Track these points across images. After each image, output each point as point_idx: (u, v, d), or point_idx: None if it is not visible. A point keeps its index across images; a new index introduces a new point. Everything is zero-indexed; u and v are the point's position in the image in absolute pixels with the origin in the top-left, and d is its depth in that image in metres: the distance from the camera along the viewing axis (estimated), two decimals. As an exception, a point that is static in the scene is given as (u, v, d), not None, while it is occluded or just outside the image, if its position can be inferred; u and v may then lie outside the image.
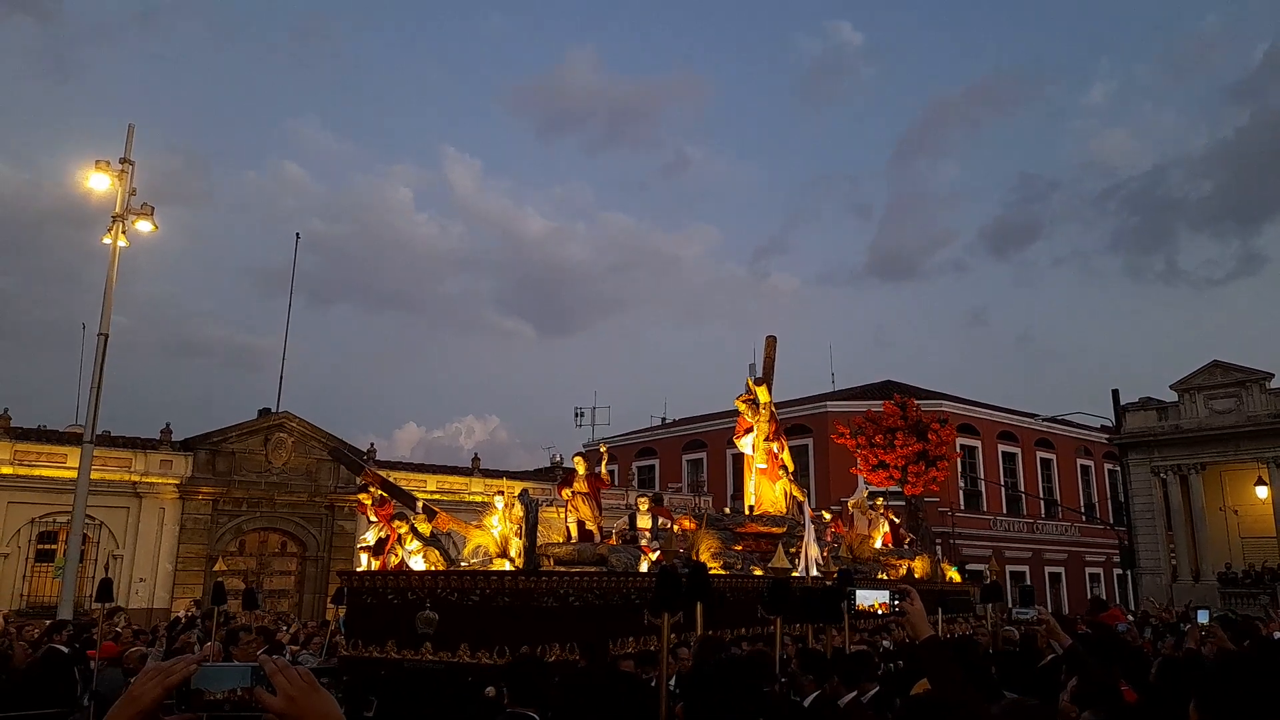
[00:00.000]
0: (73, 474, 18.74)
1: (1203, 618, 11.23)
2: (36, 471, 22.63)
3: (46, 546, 22.57)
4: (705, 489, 37.37)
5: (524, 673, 4.44)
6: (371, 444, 30.01)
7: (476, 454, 32.39)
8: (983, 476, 38.15)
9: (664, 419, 49.55)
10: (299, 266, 32.45)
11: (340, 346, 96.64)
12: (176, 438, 25.67)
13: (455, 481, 30.55)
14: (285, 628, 16.37)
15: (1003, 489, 38.62)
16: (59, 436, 24.14)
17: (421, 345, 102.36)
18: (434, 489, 28.97)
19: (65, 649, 8.80)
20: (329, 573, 26.77)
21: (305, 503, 26.79)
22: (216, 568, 18.75)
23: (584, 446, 46.81)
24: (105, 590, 9.89)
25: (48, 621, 12.57)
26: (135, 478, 24.39)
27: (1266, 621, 14.98)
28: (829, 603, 11.11)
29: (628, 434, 45.86)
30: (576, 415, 47.76)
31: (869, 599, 6.65)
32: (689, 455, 42.51)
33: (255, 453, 26.46)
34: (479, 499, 29.58)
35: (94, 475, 17.64)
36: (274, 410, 27.30)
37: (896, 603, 3.42)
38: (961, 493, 37.28)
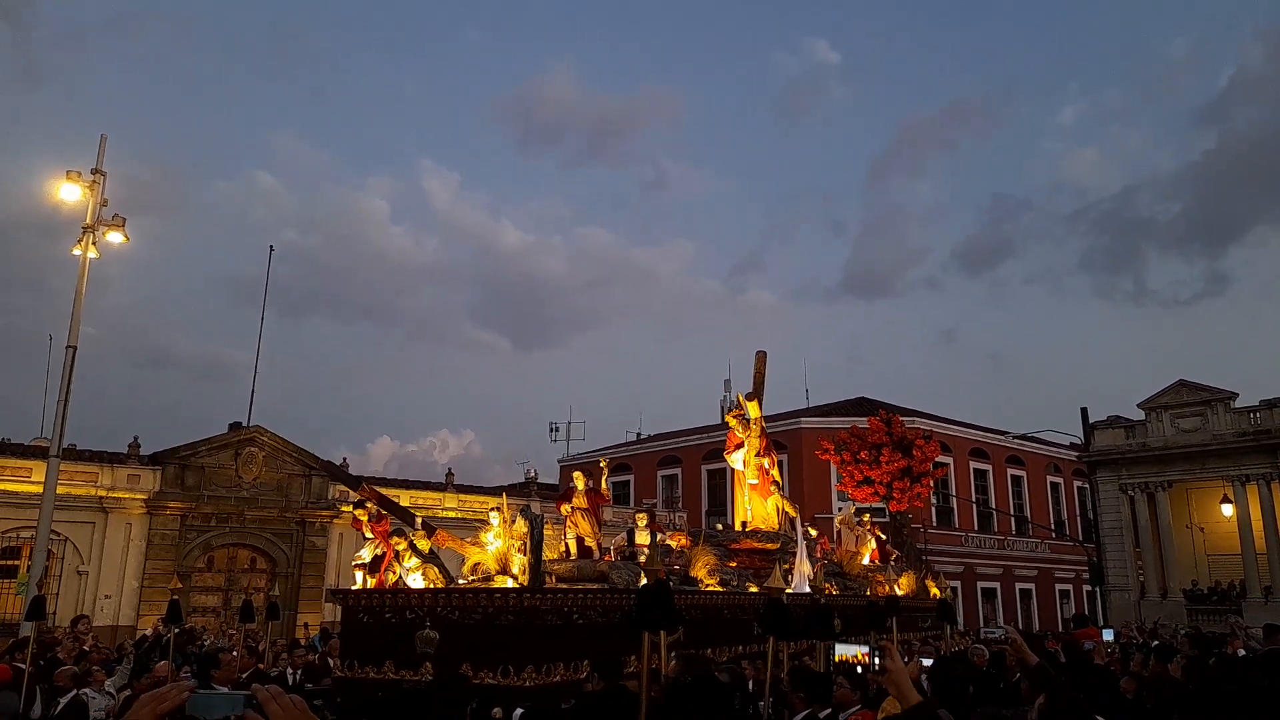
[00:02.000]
0: (38, 488, 18.13)
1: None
2: (0, 486, 21.88)
3: (9, 563, 21.80)
4: (680, 505, 37.27)
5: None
6: (344, 458, 29.61)
7: (451, 469, 32.08)
8: (954, 493, 38.51)
9: (639, 434, 49.44)
10: (272, 278, 31.95)
11: (313, 359, 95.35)
12: (145, 451, 25.03)
13: (429, 497, 30.13)
14: (254, 644, 16.01)
15: (974, 505, 39.00)
16: (24, 450, 23.40)
17: (396, 358, 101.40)
18: (408, 504, 28.40)
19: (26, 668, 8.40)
20: (299, 589, 26.23)
21: (276, 518, 26.26)
22: (172, 585, 18.14)
23: (559, 463, 46.62)
24: (37, 608, 9.45)
25: (10, 640, 12.06)
26: (102, 492, 23.71)
27: (1231, 639, 15.23)
28: (820, 621, 11.11)
29: (603, 449, 45.60)
30: (552, 430, 47.50)
31: (848, 651, 6.55)
32: (664, 471, 42.39)
33: (225, 467, 25.88)
34: (453, 514, 29.22)
35: (60, 489, 17.05)
36: (245, 424, 26.76)
37: (877, 660, 3.25)
38: (934, 509, 37.57)
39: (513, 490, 37.10)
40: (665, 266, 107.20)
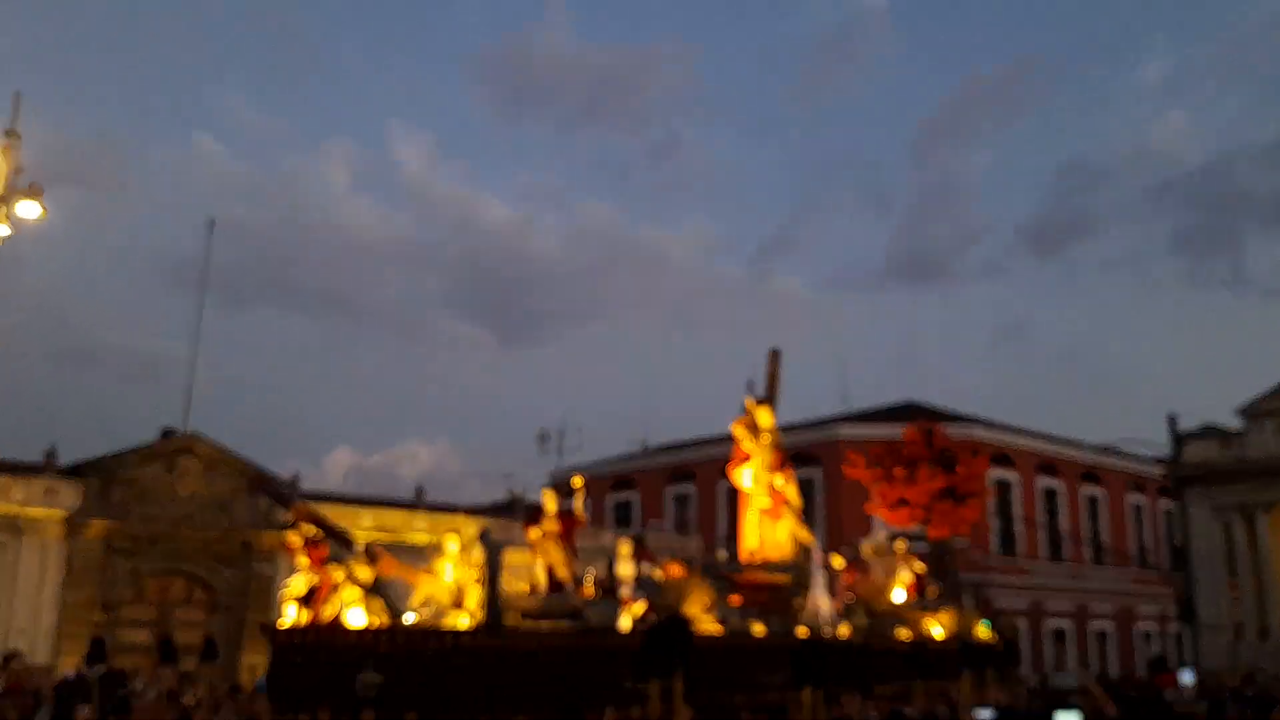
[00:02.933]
0: (-62, 505, 18.48)
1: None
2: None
3: (-97, 592, 22.21)
4: (694, 528, 37.42)
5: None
6: (296, 472, 29.83)
7: (421, 485, 32.31)
8: (1019, 516, 38.49)
9: (645, 445, 49.54)
10: (213, 259, 32.22)
11: (261, 355, 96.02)
12: (63, 462, 25.37)
13: (396, 518, 30.32)
14: (190, 690, 16.18)
15: (1042, 530, 38.94)
16: (-79, 459, 23.82)
17: (358, 355, 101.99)
18: (370, 525, 28.75)
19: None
20: (244, 625, 26.53)
21: (216, 541, 26.49)
22: (94, 618, 18.44)
23: (550, 477, 46.81)
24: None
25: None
26: (14, 509, 24.08)
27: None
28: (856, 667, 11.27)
29: (602, 462, 45.79)
30: (541, 440, 47.51)
31: None
32: (674, 488, 42.54)
33: (157, 481, 26.16)
34: (424, 539, 29.38)
35: (-36, 507, 17.42)
36: (180, 431, 27.05)
37: None
38: (994, 535, 37.60)
39: (495, 510, 37.42)
40: (678, 248, 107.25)
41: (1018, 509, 38.60)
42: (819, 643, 11.49)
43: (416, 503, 31.34)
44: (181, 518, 26.08)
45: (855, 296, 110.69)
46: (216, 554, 26.57)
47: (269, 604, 26.82)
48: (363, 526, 27.82)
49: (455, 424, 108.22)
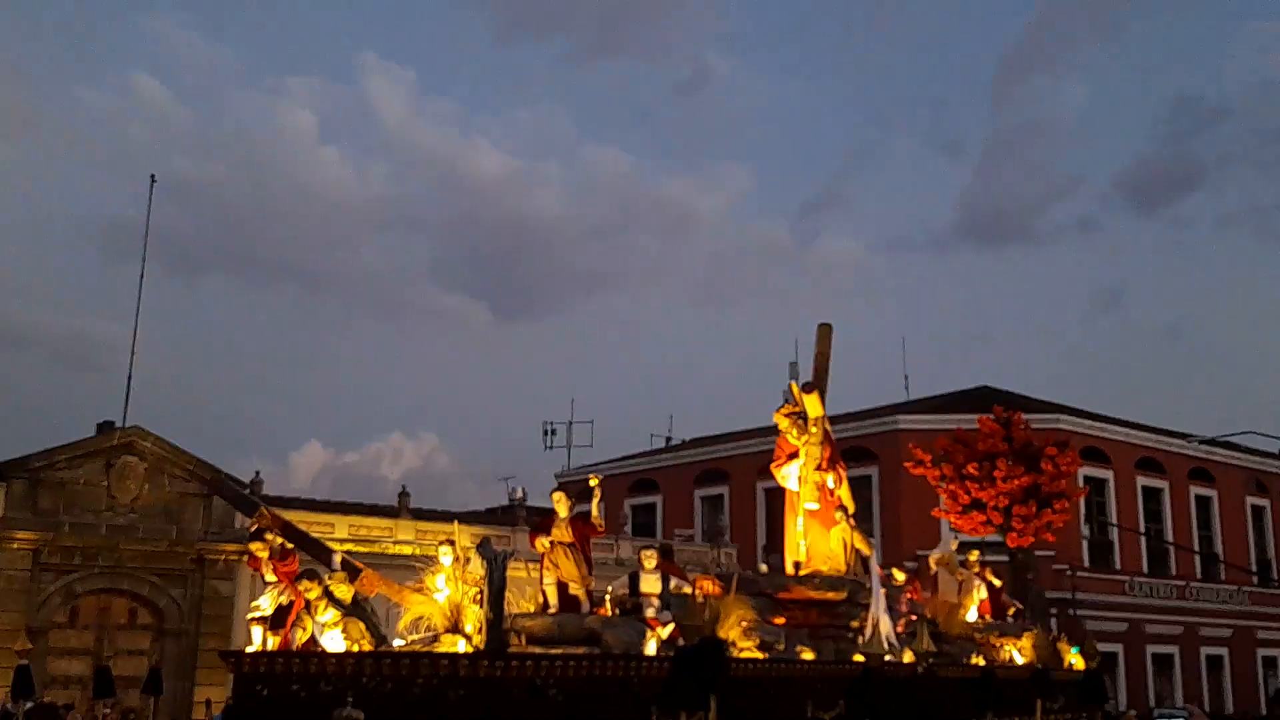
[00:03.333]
0: None
1: None
2: None
3: None
4: (727, 536, 37.52)
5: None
6: (257, 472, 30.02)
7: (405, 487, 32.42)
8: (1114, 521, 38.42)
9: (669, 439, 49.64)
10: (155, 223, 32.36)
11: (215, 336, 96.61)
12: (-18, 462, 25.64)
13: (376, 525, 30.59)
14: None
15: (1142, 539, 38.86)
16: None
17: (329, 335, 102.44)
18: (345, 535, 28.96)
19: None
20: (197, 652, 26.80)
21: (163, 554, 26.79)
22: (18, 646, 18.72)
23: (557, 478, 47.02)
24: None
25: None
26: (-75, 518, 24.37)
27: None
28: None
29: (618, 460, 45.94)
30: (546, 433, 47.93)
31: None
32: (704, 490, 42.72)
33: (93, 484, 26.43)
34: (408, 550, 29.58)
35: None
36: (120, 425, 27.28)
37: None
38: (1085, 544, 37.56)
39: (493, 517, 37.67)
40: (707, 204, 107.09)
41: (1113, 513, 38.52)
42: (878, 672, 11.49)
43: (399, 509, 31.55)
44: (122, 527, 26.37)
45: (919, 262, 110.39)
46: (163, 570, 26.84)
47: (226, 628, 27.09)
48: (336, 537, 27.98)
49: (444, 416, 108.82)
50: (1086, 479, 32.67)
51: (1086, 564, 37.02)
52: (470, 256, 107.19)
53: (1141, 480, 39.60)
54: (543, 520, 12.74)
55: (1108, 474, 38.30)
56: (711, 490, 42.48)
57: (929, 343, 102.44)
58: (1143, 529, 38.94)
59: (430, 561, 11.77)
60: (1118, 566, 38.34)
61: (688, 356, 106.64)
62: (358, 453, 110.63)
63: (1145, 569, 38.85)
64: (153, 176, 31.50)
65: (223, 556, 27.39)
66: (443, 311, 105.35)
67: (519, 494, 37.78)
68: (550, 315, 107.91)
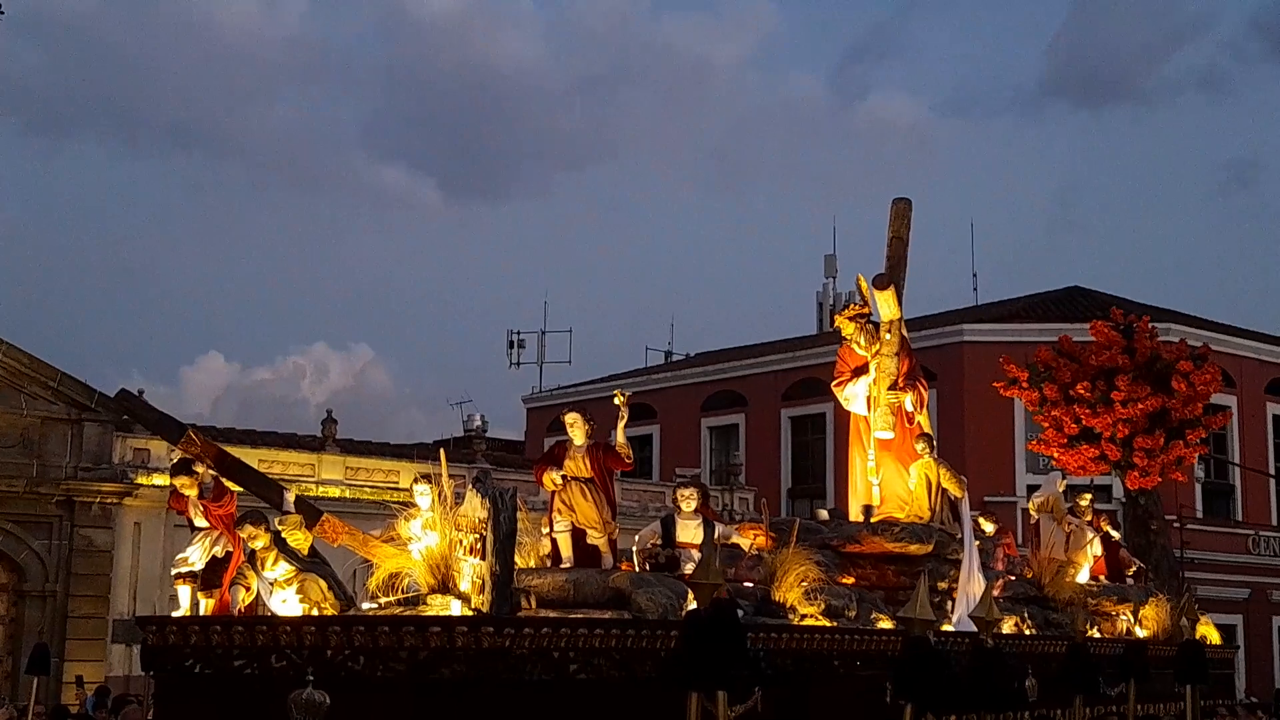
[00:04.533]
0: None
1: None
2: None
3: None
4: (742, 477, 37.61)
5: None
6: (140, 391, 29.67)
7: (331, 412, 32.36)
8: (1237, 461, 38.65)
9: (668, 354, 49.66)
10: (8, 69, 31.59)
11: (84, 213, 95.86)
12: None
13: (294, 461, 30.63)
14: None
15: (1272, 483, 39.14)
16: None
17: (234, 216, 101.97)
18: (255, 473, 28.96)
19: None
20: (66, 619, 26.83)
21: (20, 496, 26.76)
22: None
23: (524, 402, 46.94)
24: None
25: None
26: None
27: None
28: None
29: (603, 381, 45.82)
30: (512, 345, 47.83)
31: None
32: (712, 418, 42.97)
33: (-72, 406, 26.31)
34: (335, 492, 29.70)
35: None
36: (-39, 328, 27.05)
37: None
38: (1198, 488, 37.78)
39: (443, 450, 37.56)
40: (723, 52, 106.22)
41: (1235, 450, 38.74)
42: (926, 644, 11.48)
43: (324, 440, 31.57)
44: (-33, 460, 26.27)
45: (995, 128, 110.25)
46: (21, 515, 26.86)
47: (103, 588, 27.19)
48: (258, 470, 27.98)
49: (381, 323, 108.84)
50: (1206, 408, 32.66)
51: (1200, 513, 37.28)
52: (415, 118, 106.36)
53: (1274, 409, 39.78)
54: (551, 449, 12.61)
55: (1230, 400, 38.32)
56: (723, 418, 42.70)
57: (1004, 231, 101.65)
58: (1273, 471, 39.20)
59: (362, 510, 11.69)
60: (1239, 518, 38.67)
61: (694, 250, 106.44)
62: (270, 369, 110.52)
63: (1275, 521, 39.17)
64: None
65: (98, 498, 27.36)
66: (379, 188, 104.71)
67: (477, 422, 37.90)
68: (518, 196, 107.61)
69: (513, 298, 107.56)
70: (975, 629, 13.80)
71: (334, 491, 29.81)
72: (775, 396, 40.11)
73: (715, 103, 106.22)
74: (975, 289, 47.10)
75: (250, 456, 29.74)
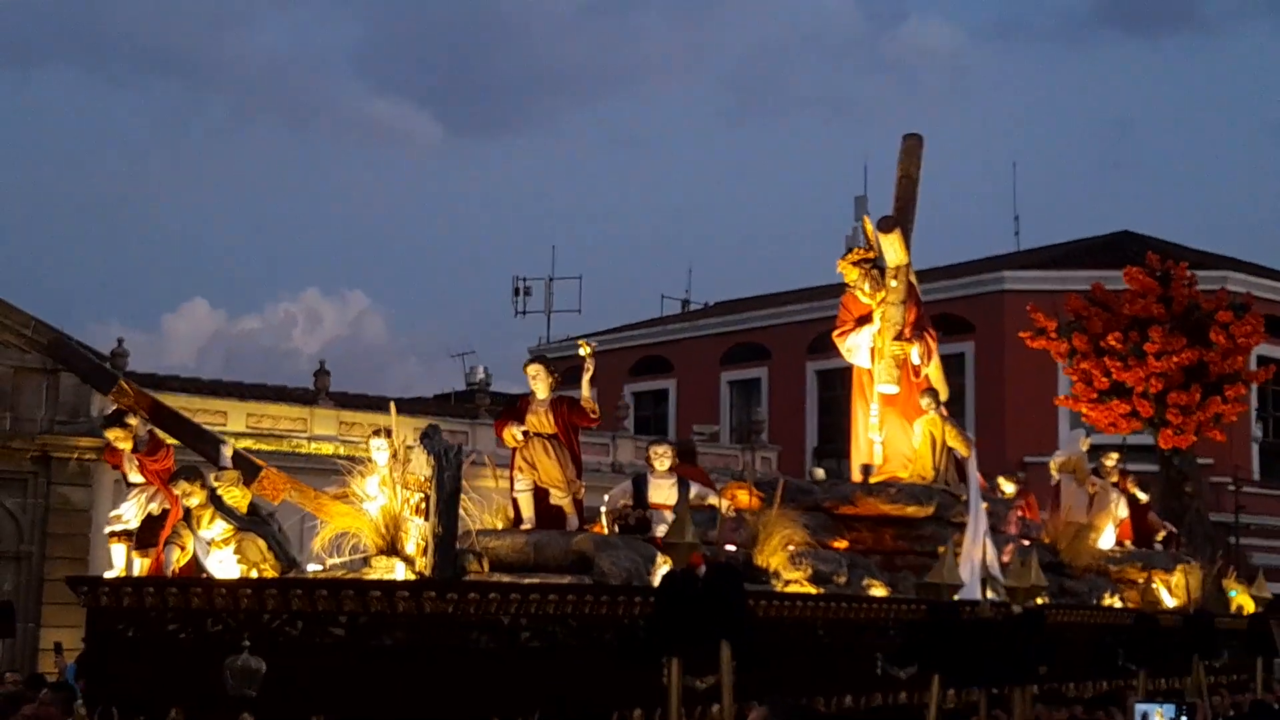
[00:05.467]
0: None
1: None
2: None
3: None
4: (764, 435, 37.58)
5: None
6: (120, 341, 30.00)
7: (324, 363, 32.41)
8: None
9: (685, 303, 49.47)
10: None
11: (57, 149, 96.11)
12: None
13: (285, 415, 30.72)
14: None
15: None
16: None
17: (217, 151, 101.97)
18: (241, 428, 29.05)
19: None
20: (42, 582, 27.06)
21: (-5, 451, 26.89)
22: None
23: (531, 353, 46.77)
24: None
25: None
26: None
27: None
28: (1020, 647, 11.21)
29: (616, 331, 45.87)
30: (518, 293, 47.79)
31: None
32: (734, 371, 42.94)
33: (-102, 356, 26.47)
34: (328, 449, 29.79)
35: None
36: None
37: None
38: (1255, 449, 37.52)
39: (446, 405, 37.72)
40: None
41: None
42: (951, 614, 11.47)
43: (317, 392, 31.64)
44: (-63, 414, 26.45)
45: (1040, 56, 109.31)
46: (-3, 472, 26.98)
47: (81, 548, 27.33)
48: (230, 429, 28.03)
49: (377, 268, 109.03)
50: (1261, 360, 32.41)
51: (1256, 476, 37.06)
52: (411, 45, 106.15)
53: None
54: (513, 404, 12.62)
55: (1284, 351, 38.06)
56: (744, 372, 42.62)
57: (1049, 171, 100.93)
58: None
59: (359, 462, 11.62)
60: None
61: (714, 189, 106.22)
62: (259, 316, 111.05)
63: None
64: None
65: (75, 454, 27.46)
66: (374, 122, 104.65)
67: (480, 375, 37.88)
68: (523, 130, 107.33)
69: (518, 241, 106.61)
70: (979, 596, 13.83)
71: (327, 448, 29.80)
72: (800, 348, 39.85)
73: (736, 28, 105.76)
74: (1017, 233, 46.71)
75: (238, 410, 30.18)
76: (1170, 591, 18.11)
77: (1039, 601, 14.63)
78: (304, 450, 29.68)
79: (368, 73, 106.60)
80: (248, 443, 27.18)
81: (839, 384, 40.75)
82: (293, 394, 32.02)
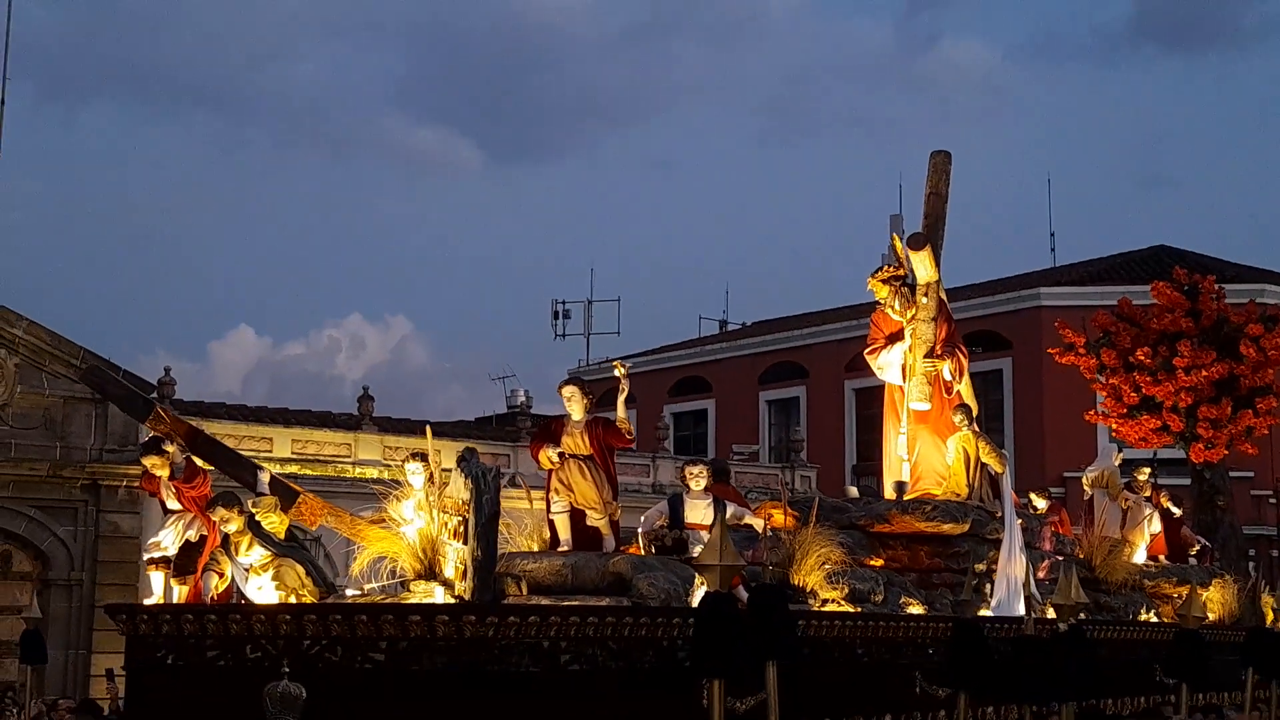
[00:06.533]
0: None
1: None
2: None
3: None
4: (803, 454, 37.51)
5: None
6: (166, 370, 30.14)
7: (368, 389, 32.48)
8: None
9: (723, 323, 49.44)
10: (19, 31, 32.00)
11: (103, 181, 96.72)
12: None
13: (329, 441, 30.79)
14: (15, 709, 16.71)
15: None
16: None
17: (260, 181, 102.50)
18: (286, 454, 29.12)
19: None
20: (93, 609, 27.14)
21: (44, 480, 26.98)
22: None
23: (570, 375, 46.64)
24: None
25: None
26: None
27: None
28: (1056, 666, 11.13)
29: (655, 353, 45.86)
30: (557, 316, 47.79)
31: None
32: (772, 391, 42.87)
33: (-53, 385, 26.58)
34: (372, 473, 29.78)
35: None
36: (-19, 305, 27.33)
37: None
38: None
39: (484, 428, 37.75)
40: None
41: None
42: (976, 630, 11.40)
43: (360, 418, 31.73)
44: (-13, 443, 26.57)
45: (1076, 74, 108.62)
46: (45, 500, 27.07)
47: (130, 575, 27.34)
48: (275, 455, 28.15)
49: (419, 294, 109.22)
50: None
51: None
52: (449, 74, 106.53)
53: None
54: (548, 425, 12.57)
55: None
56: (782, 391, 42.57)
57: (1086, 187, 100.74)
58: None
59: (398, 486, 11.60)
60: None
61: (750, 211, 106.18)
62: (303, 343, 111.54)
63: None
64: (11, -30, 31.05)
65: (124, 482, 27.50)
66: (414, 150, 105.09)
67: (521, 398, 37.81)
68: (561, 156, 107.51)
69: (557, 265, 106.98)
70: (1017, 613, 13.73)
71: (371, 472, 29.78)
72: (838, 367, 39.78)
73: (770, 52, 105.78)
74: (1053, 249, 46.50)
75: (283, 437, 30.27)
76: (1206, 606, 17.99)
77: (1081, 617, 14.76)
78: (348, 475, 29.76)
79: (408, 102, 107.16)
80: (293, 468, 27.34)
81: (877, 401, 40.49)
82: (337, 419, 32.10)
